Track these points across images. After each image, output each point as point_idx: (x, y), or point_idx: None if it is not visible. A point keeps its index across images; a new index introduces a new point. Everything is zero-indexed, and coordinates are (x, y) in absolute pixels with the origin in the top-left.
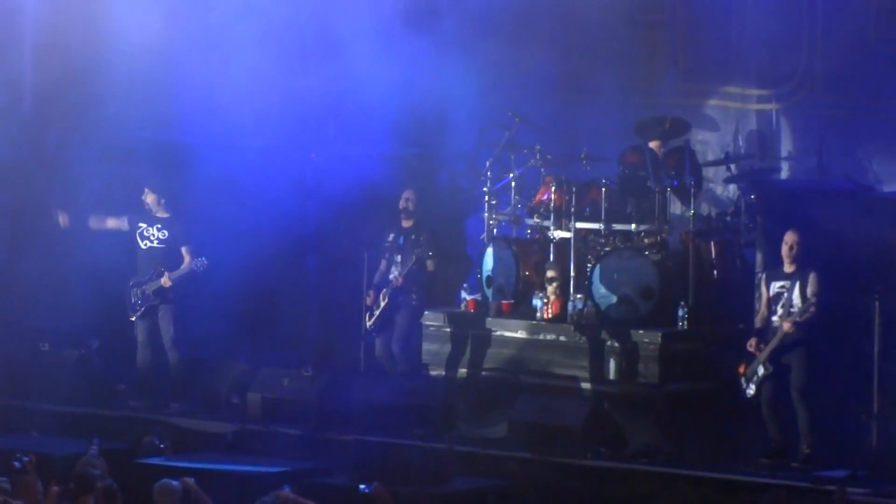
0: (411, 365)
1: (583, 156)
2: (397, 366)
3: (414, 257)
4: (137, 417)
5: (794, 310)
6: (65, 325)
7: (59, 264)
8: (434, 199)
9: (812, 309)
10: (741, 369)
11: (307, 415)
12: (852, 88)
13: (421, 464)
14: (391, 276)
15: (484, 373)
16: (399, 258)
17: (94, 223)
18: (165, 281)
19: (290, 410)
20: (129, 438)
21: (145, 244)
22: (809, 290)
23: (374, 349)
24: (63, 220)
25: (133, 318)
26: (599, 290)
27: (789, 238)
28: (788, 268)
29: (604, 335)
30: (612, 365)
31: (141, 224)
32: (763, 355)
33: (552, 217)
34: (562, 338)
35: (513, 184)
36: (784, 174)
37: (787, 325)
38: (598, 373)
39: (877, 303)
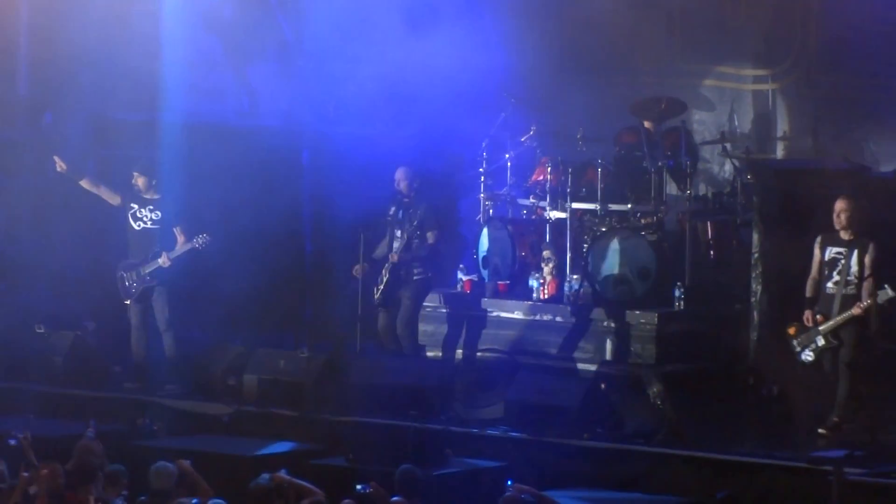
0: (414, 345)
1: (579, 136)
2: (401, 345)
3: (406, 235)
4: (133, 399)
5: (852, 278)
6: (60, 307)
7: (55, 246)
8: (428, 178)
9: (886, 299)
10: (792, 330)
11: (303, 396)
12: (849, 68)
13: (417, 445)
14: (390, 252)
15: (480, 354)
16: (398, 233)
17: (86, 184)
18: (164, 261)
19: (286, 392)
20: (124, 420)
21: (138, 225)
22: (868, 259)
23: (377, 325)
24: (60, 165)
25: (128, 302)
26: (596, 270)
27: (838, 205)
28: (844, 234)
29: (600, 315)
30: (608, 345)
31: (133, 205)
32: (826, 327)
33: (548, 197)
34: (558, 318)
35: (508, 164)
36: (780, 154)
37: (857, 311)
38: (594, 353)
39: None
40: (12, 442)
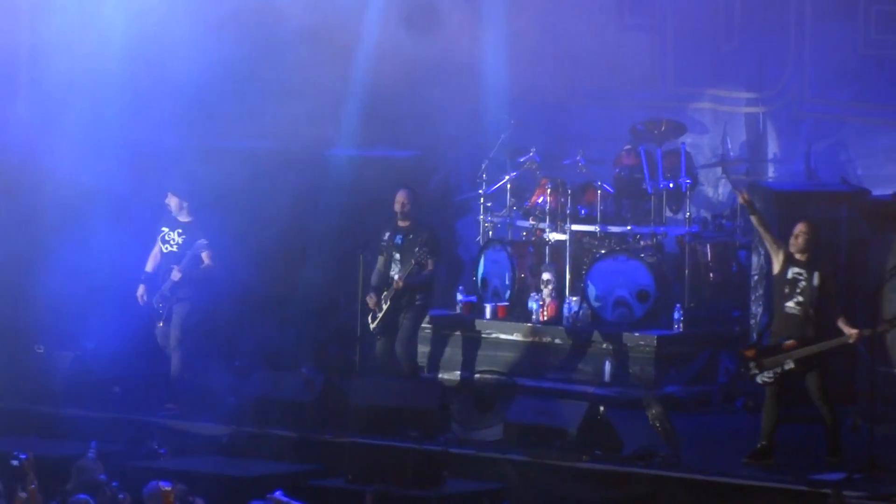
0: (413, 367)
1: (578, 157)
2: (399, 368)
3: (413, 260)
4: (132, 420)
5: (815, 300)
6: (60, 326)
7: (55, 265)
8: (426, 200)
9: (882, 328)
10: (750, 353)
11: (302, 417)
12: (839, 92)
13: (416, 466)
14: (392, 278)
15: (479, 375)
16: (398, 257)
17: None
18: (175, 275)
19: (285, 412)
20: (124, 441)
21: (166, 248)
22: (830, 286)
23: (375, 350)
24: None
25: (160, 324)
26: (595, 292)
27: (799, 228)
28: (801, 257)
29: (599, 337)
30: (607, 367)
31: (164, 228)
32: (799, 353)
33: (547, 219)
34: (557, 340)
35: (508, 186)
36: (770, 177)
37: (853, 339)
38: (593, 375)
39: (872, 306)
40: (14, 463)
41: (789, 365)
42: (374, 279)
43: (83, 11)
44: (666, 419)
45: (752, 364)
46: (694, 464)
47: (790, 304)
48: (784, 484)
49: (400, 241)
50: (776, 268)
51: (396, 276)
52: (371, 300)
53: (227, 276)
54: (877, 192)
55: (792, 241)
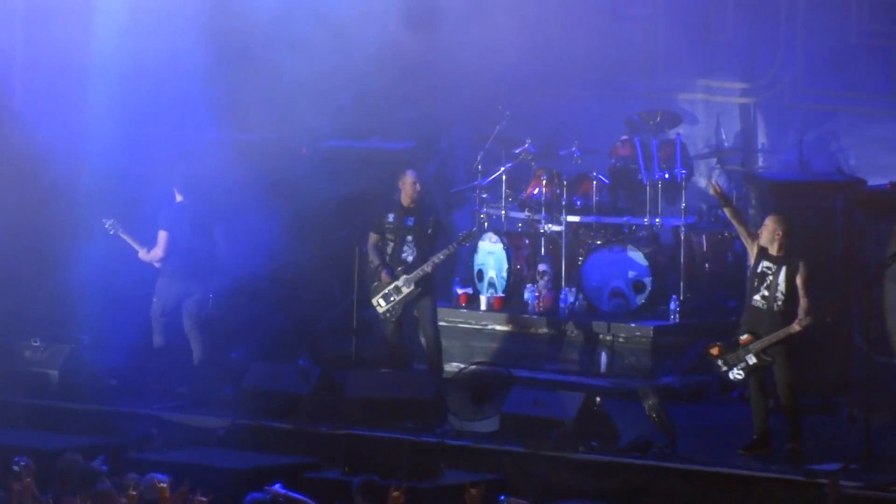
0: (440, 347)
1: (574, 148)
2: (405, 355)
3: (455, 244)
4: (128, 412)
5: (780, 295)
6: (55, 319)
7: (51, 258)
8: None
9: (813, 313)
10: (714, 351)
11: (299, 409)
12: (831, 82)
13: (413, 458)
14: (405, 260)
15: (475, 367)
16: (410, 238)
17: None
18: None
19: (281, 404)
20: (119, 434)
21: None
22: (800, 280)
23: (386, 334)
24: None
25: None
26: (591, 283)
27: (770, 222)
28: (774, 251)
29: (595, 328)
30: (603, 358)
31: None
32: (757, 345)
33: (543, 210)
34: (553, 331)
35: (503, 177)
36: (761, 167)
37: (795, 327)
38: (590, 366)
39: (868, 295)
40: (15, 468)
41: (752, 360)
42: (376, 259)
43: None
44: (662, 410)
45: (719, 362)
46: (690, 454)
47: (756, 297)
48: (781, 474)
49: (412, 223)
50: (751, 261)
51: (411, 259)
52: (387, 278)
53: (222, 268)
54: (872, 181)
55: (764, 234)
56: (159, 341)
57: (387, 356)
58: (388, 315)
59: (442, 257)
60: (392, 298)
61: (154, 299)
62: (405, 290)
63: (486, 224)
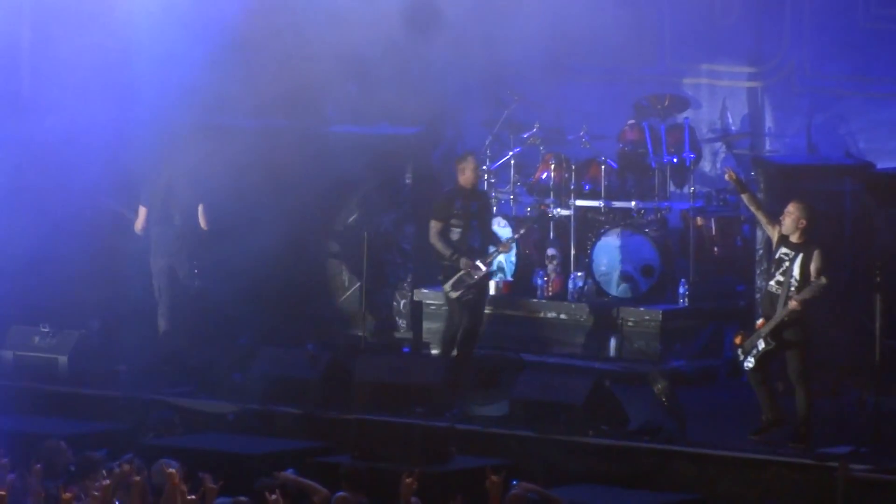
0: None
1: (582, 133)
2: (465, 332)
3: (525, 228)
4: (138, 398)
5: (794, 281)
6: (65, 305)
7: (60, 244)
8: (430, 175)
9: (820, 287)
10: (738, 340)
11: (308, 394)
12: (839, 66)
13: (423, 443)
14: (472, 243)
15: (485, 351)
16: (476, 224)
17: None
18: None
19: (291, 389)
20: (129, 420)
21: None
22: (813, 267)
23: (449, 319)
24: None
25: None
26: (600, 267)
27: (794, 209)
28: (794, 238)
29: (604, 313)
30: (612, 342)
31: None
32: (765, 329)
33: (552, 195)
34: (562, 315)
35: (512, 162)
36: (769, 151)
37: (793, 303)
38: (599, 350)
39: (878, 279)
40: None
41: (762, 345)
42: (446, 248)
43: None
44: (672, 394)
45: (739, 351)
46: (699, 438)
47: (772, 283)
48: (791, 458)
49: (476, 208)
50: (774, 246)
51: (477, 244)
52: (468, 263)
53: (230, 255)
54: (881, 165)
55: (784, 220)
56: (163, 324)
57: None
58: (461, 300)
59: (514, 239)
60: (464, 283)
61: (152, 281)
62: (478, 275)
63: (494, 209)
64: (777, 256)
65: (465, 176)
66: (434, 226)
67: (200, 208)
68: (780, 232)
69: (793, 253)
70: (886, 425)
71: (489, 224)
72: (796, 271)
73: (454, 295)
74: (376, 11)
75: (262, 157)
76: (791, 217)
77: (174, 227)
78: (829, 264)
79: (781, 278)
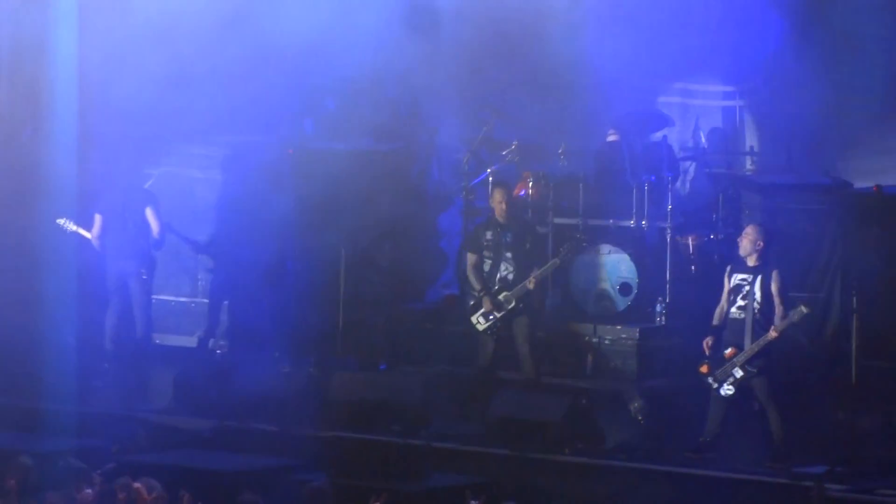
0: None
1: (560, 150)
2: (522, 368)
3: (558, 259)
4: (115, 414)
5: (757, 304)
6: (41, 320)
7: (33, 259)
8: (407, 193)
9: (801, 315)
10: (704, 369)
11: (284, 411)
12: (819, 85)
13: (399, 460)
14: (507, 279)
15: (461, 368)
16: (509, 255)
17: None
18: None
19: (267, 406)
20: (105, 435)
21: None
22: (774, 287)
23: (482, 351)
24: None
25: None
26: (577, 285)
27: (752, 231)
28: (751, 261)
29: (581, 331)
30: (589, 360)
31: None
32: (741, 358)
33: (530, 212)
34: (540, 333)
35: (490, 178)
36: (749, 170)
37: (773, 333)
38: (575, 368)
39: (854, 298)
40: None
41: (739, 373)
42: (478, 283)
43: None
44: (648, 412)
45: (709, 380)
46: (676, 457)
47: (733, 309)
48: (766, 477)
49: (510, 239)
50: (725, 286)
51: (511, 276)
52: (488, 304)
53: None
54: (858, 184)
55: (740, 244)
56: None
57: (472, 375)
58: (488, 333)
59: (545, 271)
60: (492, 316)
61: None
62: (507, 308)
63: (472, 226)
64: (734, 284)
65: (496, 208)
66: (469, 258)
67: (149, 211)
68: (730, 267)
69: (751, 276)
70: (862, 445)
71: (526, 254)
72: (757, 294)
73: (481, 327)
74: (357, 29)
75: (242, 172)
76: (749, 238)
77: (128, 234)
78: (787, 283)
79: (743, 303)
